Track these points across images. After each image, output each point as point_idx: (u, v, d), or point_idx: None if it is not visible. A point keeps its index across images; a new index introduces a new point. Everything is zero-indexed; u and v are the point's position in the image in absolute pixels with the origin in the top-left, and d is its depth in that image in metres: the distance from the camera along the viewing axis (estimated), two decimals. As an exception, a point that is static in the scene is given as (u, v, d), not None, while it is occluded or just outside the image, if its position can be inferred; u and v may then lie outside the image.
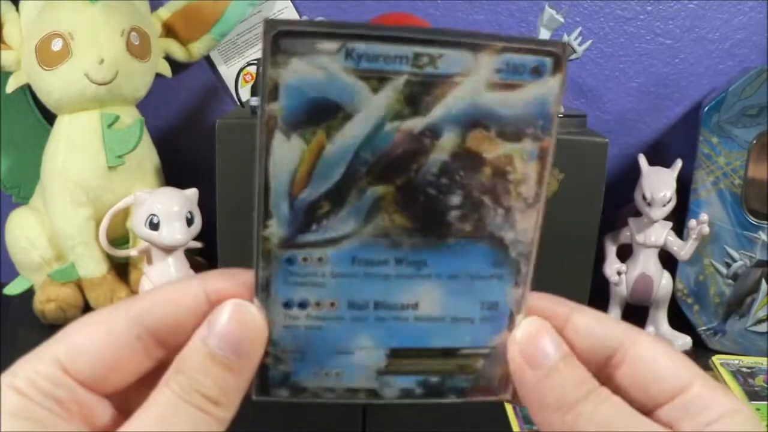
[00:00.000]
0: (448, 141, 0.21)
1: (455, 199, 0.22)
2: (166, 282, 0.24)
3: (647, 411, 0.23)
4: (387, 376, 0.23)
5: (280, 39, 0.20)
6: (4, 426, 0.20)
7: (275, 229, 0.22)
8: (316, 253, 0.22)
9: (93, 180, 0.67)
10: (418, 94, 0.21)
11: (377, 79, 0.21)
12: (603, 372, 0.24)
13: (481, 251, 0.23)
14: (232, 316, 0.22)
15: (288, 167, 0.21)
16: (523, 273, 0.23)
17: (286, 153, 0.21)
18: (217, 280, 0.23)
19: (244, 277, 0.23)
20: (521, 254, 0.23)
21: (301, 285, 0.22)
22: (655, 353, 0.23)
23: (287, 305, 0.22)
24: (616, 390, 0.23)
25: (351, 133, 0.21)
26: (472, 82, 0.21)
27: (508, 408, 0.55)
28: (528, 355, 0.23)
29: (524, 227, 0.23)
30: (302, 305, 0.22)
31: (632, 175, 0.69)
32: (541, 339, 0.23)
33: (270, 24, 0.20)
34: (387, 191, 0.22)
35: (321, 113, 0.21)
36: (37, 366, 0.21)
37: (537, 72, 0.21)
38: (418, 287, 0.23)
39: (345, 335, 0.23)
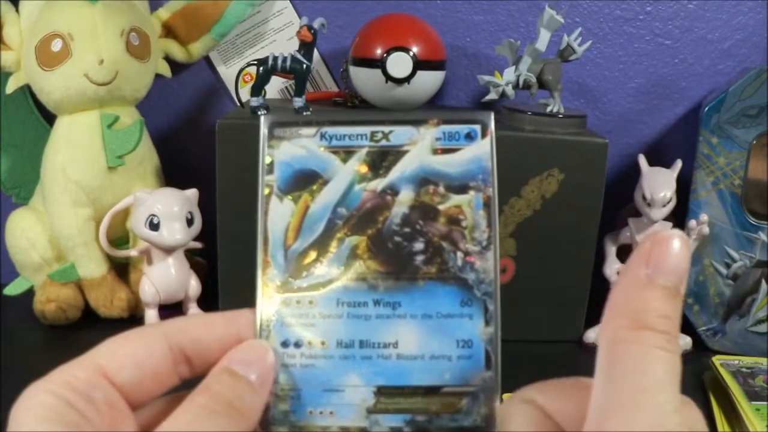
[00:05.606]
0: (405, 196, 0.26)
1: (418, 245, 0.26)
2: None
3: None
4: (376, 415, 0.25)
5: (274, 128, 0.27)
6: (32, 427, 0.21)
7: (273, 276, 0.26)
8: (307, 296, 0.26)
9: (93, 180, 0.67)
10: (377, 161, 0.26)
11: (345, 152, 0.27)
12: None
13: (449, 292, 0.26)
14: (251, 347, 0.25)
15: (282, 224, 0.26)
16: (490, 311, 0.26)
17: (280, 213, 0.26)
18: (247, 318, 0.26)
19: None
20: (486, 293, 0.26)
21: (296, 326, 0.26)
22: None
23: (285, 344, 0.26)
24: None
25: (328, 195, 0.26)
26: (417, 149, 0.26)
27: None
28: None
29: (484, 268, 0.26)
30: (297, 344, 0.26)
31: (632, 175, 0.69)
32: None
33: (267, 118, 0.27)
34: (361, 240, 0.26)
35: (305, 181, 0.26)
36: (75, 371, 0.23)
37: (470, 137, 0.26)
38: (396, 326, 0.26)
39: (336, 373, 0.26)
